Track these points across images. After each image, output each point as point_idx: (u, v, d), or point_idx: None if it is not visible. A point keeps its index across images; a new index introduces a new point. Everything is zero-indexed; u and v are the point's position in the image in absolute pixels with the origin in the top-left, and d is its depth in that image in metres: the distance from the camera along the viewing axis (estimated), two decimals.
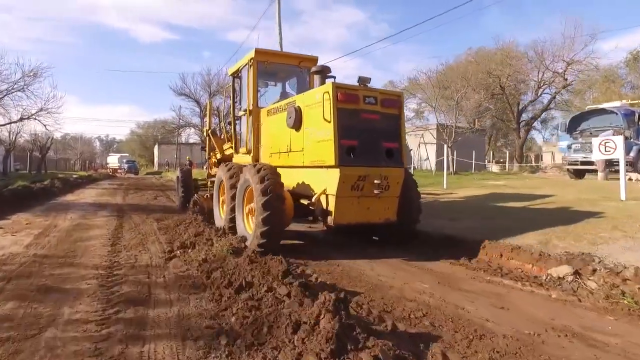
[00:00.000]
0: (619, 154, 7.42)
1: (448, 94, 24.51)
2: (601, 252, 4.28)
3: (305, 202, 5.32)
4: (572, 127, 14.75)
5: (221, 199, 6.71)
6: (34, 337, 2.56)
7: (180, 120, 41.40)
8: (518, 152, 30.19)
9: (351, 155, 4.75)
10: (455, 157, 19.40)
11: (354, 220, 5.04)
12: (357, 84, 5.03)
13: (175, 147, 50.25)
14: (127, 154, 63.12)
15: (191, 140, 51.57)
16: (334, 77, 5.15)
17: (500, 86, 28.19)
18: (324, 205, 4.95)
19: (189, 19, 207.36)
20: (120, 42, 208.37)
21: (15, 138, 25.82)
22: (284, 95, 7.31)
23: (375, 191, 4.87)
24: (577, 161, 14.06)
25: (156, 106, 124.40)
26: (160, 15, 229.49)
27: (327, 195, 4.91)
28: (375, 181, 4.85)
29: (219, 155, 8.59)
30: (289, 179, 5.48)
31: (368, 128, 4.93)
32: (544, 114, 33.34)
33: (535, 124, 34.49)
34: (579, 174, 14.42)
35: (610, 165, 12.26)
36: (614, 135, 10.64)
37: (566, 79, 26.47)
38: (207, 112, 10.37)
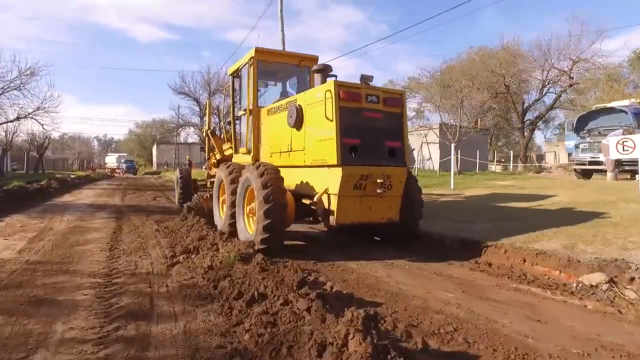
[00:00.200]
0: (638, 153, 7.16)
1: (451, 92, 24.13)
2: (635, 258, 3.99)
3: (306, 202, 5.22)
4: (580, 126, 14.47)
5: (221, 199, 6.59)
6: None
7: (180, 120, 41.02)
8: (523, 152, 29.83)
9: (353, 154, 4.68)
10: (459, 157, 19.12)
11: (356, 220, 4.92)
12: (360, 82, 4.94)
13: (174, 147, 49.89)
14: (126, 154, 62.73)
15: (190, 140, 51.23)
16: (335, 76, 5.09)
17: (505, 85, 27.85)
18: (326, 205, 4.86)
19: (188, 18, 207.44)
20: (119, 41, 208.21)
21: (12, 137, 25.39)
22: (284, 94, 7.22)
23: (378, 190, 4.80)
24: (585, 161, 13.82)
25: (155, 106, 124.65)
26: (159, 15, 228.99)
27: (329, 195, 4.82)
28: (378, 180, 4.78)
29: (218, 156, 8.45)
30: (290, 179, 5.37)
31: (370, 127, 4.83)
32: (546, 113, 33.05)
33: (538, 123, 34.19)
34: (586, 174, 14.16)
35: (620, 165, 11.99)
36: (624, 134, 10.38)
37: (572, 78, 26.12)
38: (207, 112, 10.15)
